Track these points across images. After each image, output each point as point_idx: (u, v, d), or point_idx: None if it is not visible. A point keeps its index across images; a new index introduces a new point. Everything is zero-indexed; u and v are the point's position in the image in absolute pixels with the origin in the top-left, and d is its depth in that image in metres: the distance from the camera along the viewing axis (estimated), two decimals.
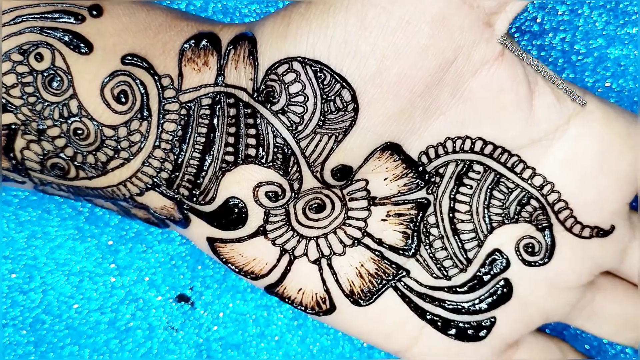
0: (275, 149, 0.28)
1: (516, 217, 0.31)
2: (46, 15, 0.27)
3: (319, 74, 0.27)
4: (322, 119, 0.27)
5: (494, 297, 0.31)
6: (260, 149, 0.28)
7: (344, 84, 0.27)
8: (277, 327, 0.37)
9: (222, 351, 0.37)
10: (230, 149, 0.28)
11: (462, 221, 0.31)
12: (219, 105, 0.28)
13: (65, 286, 0.37)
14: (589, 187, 0.30)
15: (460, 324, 0.31)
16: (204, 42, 0.28)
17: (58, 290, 0.37)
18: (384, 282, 0.31)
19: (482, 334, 0.31)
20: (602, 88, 0.37)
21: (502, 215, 0.31)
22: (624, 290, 0.33)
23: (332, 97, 0.27)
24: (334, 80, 0.27)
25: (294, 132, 0.28)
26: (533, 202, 0.30)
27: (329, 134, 0.28)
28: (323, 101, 0.27)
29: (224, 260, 0.30)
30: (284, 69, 0.27)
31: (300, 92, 0.27)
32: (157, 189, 0.29)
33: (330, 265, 0.30)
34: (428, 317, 0.31)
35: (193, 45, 0.28)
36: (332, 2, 0.26)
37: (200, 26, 0.29)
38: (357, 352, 0.38)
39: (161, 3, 0.36)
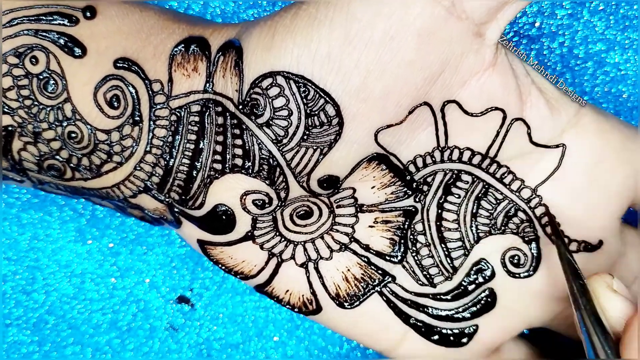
0: (261, 160, 0.28)
1: (503, 228, 0.31)
2: (41, 18, 0.28)
3: (302, 89, 0.27)
4: (307, 132, 0.27)
5: (478, 306, 0.31)
6: (247, 159, 0.28)
7: (327, 99, 0.27)
8: (276, 328, 0.38)
9: (222, 351, 0.38)
10: (218, 157, 0.28)
11: (449, 229, 0.31)
12: (208, 113, 0.28)
13: (68, 287, 0.37)
14: (578, 201, 0.30)
15: (443, 330, 0.32)
16: (193, 47, 0.28)
17: (60, 291, 0.37)
18: (370, 287, 0.31)
19: (464, 340, 0.32)
20: (601, 93, 0.37)
21: (489, 225, 0.31)
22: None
23: (317, 112, 0.27)
24: (317, 95, 0.27)
25: (278, 144, 0.28)
26: (520, 214, 0.30)
27: (314, 147, 0.28)
28: (307, 115, 0.27)
29: (214, 260, 0.31)
30: (268, 82, 0.27)
31: (284, 107, 0.27)
32: (149, 193, 0.29)
33: (317, 269, 0.31)
34: (412, 322, 0.31)
35: (183, 50, 0.28)
36: (317, 15, 0.26)
37: (191, 29, 0.29)
38: (354, 351, 0.38)
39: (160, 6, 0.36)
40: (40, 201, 0.37)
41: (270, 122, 0.27)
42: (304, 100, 0.27)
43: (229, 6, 0.37)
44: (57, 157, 0.28)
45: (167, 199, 0.29)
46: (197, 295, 0.38)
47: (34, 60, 0.27)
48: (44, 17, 0.28)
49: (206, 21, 0.30)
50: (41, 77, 0.28)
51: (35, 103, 0.28)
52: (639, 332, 0.25)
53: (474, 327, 0.32)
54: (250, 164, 0.28)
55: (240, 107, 0.27)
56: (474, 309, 0.31)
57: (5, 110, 0.27)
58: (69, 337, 0.37)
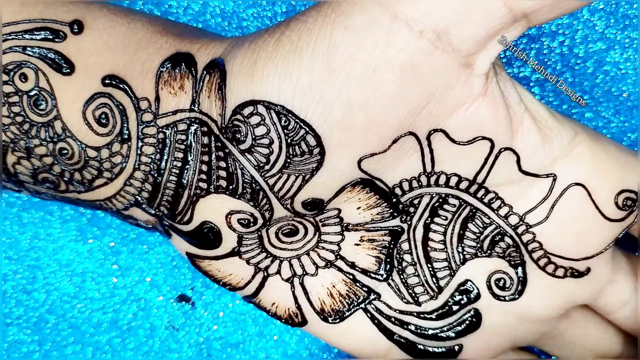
0: (244, 184, 0.28)
1: (489, 251, 0.30)
2: (28, 34, 0.28)
3: (283, 119, 0.26)
4: (288, 160, 0.27)
5: (462, 326, 0.31)
6: (230, 182, 0.28)
7: (308, 130, 0.26)
8: (276, 327, 0.38)
9: (222, 350, 0.38)
10: (203, 177, 0.28)
11: (436, 250, 0.31)
12: (194, 131, 0.28)
13: (68, 286, 0.37)
14: (567, 231, 0.29)
15: (428, 348, 0.31)
16: (180, 65, 0.28)
17: (61, 290, 0.37)
18: (355, 303, 0.31)
19: (449, 359, 0.32)
20: (601, 92, 0.37)
21: (476, 248, 0.30)
22: (597, 325, 0.33)
23: (297, 141, 0.27)
24: (298, 126, 0.26)
25: (260, 171, 0.27)
26: (507, 239, 0.30)
27: (296, 174, 0.27)
28: (288, 145, 0.27)
29: (202, 272, 0.31)
30: (249, 110, 0.26)
31: (265, 135, 0.27)
32: (140, 207, 0.29)
33: (302, 284, 0.31)
34: (395, 338, 0.31)
35: (169, 67, 0.28)
36: (298, 43, 0.25)
37: (179, 44, 0.29)
38: None
39: (161, 7, 0.36)
40: (41, 200, 0.37)
41: (252, 149, 0.27)
42: (285, 130, 0.26)
43: (228, 5, 0.37)
44: (51, 171, 0.29)
45: (157, 212, 0.29)
46: (198, 294, 0.38)
47: (23, 77, 0.28)
48: (31, 33, 0.28)
49: (195, 33, 0.30)
50: (31, 94, 0.28)
51: (27, 120, 0.28)
52: None
53: (459, 346, 0.32)
54: (233, 187, 0.28)
55: (223, 131, 0.27)
56: (459, 328, 0.31)
57: None
58: (69, 337, 0.37)
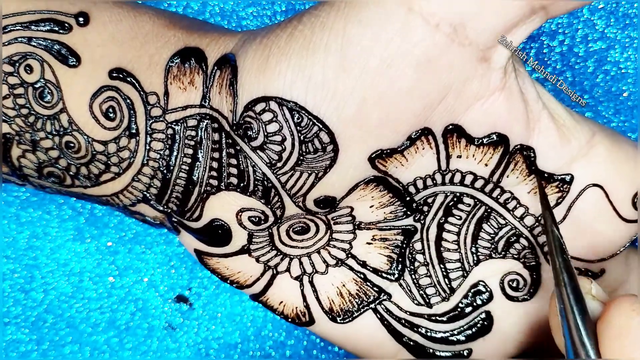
0: (256, 182, 0.28)
1: (504, 252, 0.30)
2: (34, 25, 0.27)
3: (296, 116, 0.26)
4: (301, 158, 0.27)
5: (473, 329, 0.31)
6: (241, 180, 0.28)
7: (321, 126, 0.26)
8: (274, 327, 0.38)
9: (220, 350, 0.38)
10: (214, 174, 0.28)
11: (449, 250, 0.30)
12: (204, 127, 0.28)
13: (66, 286, 0.37)
14: (584, 232, 0.29)
15: (436, 352, 0.31)
16: (189, 60, 0.28)
17: (59, 290, 0.37)
18: (365, 303, 0.31)
19: None
20: (602, 91, 0.37)
21: (490, 249, 0.30)
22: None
23: (310, 138, 0.26)
24: (311, 123, 0.26)
25: (273, 168, 0.27)
26: (523, 240, 0.30)
27: (309, 172, 0.27)
28: (301, 142, 0.26)
29: (210, 270, 0.30)
30: (261, 107, 0.26)
31: (277, 132, 0.26)
32: (148, 203, 0.29)
33: (311, 283, 0.31)
34: (404, 340, 0.31)
35: (179, 62, 0.28)
36: (312, 37, 0.25)
37: (187, 38, 0.28)
38: None
39: (159, 6, 0.36)
40: (39, 199, 0.37)
41: (264, 146, 0.27)
42: (298, 127, 0.26)
43: (227, 4, 0.37)
44: (57, 165, 0.28)
45: (166, 209, 0.29)
46: (196, 295, 0.38)
47: (28, 69, 0.27)
48: (36, 24, 0.27)
49: (202, 27, 0.30)
50: (36, 86, 0.27)
51: (32, 112, 0.28)
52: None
53: (468, 351, 0.31)
54: (244, 184, 0.28)
55: (235, 128, 0.27)
56: (469, 332, 0.31)
57: (3, 118, 0.27)
58: (67, 336, 0.37)
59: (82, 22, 0.28)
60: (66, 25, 0.28)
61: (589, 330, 0.24)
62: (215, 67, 0.27)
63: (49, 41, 0.27)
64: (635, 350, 0.23)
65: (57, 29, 0.27)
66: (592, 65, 0.37)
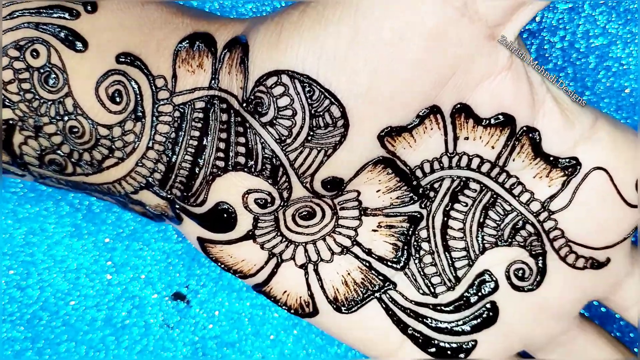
0: (264, 160, 0.28)
1: (510, 240, 0.30)
2: (42, 11, 0.27)
3: (307, 89, 0.26)
4: (311, 133, 0.27)
5: (479, 320, 0.30)
6: (249, 158, 0.28)
7: (332, 100, 0.26)
8: (272, 326, 0.37)
9: (218, 349, 0.37)
10: (221, 154, 0.28)
11: (455, 238, 0.30)
12: (212, 109, 0.28)
13: (62, 283, 0.37)
14: (589, 217, 0.29)
15: (441, 344, 0.31)
16: (198, 44, 0.28)
17: (55, 287, 0.37)
18: (369, 292, 0.30)
19: (461, 355, 0.31)
20: (603, 88, 0.36)
21: (496, 237, 0.30)
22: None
23: (321, 113, 0.26)
24: (322, 96, 0.26)
25: (282, 144, 0.27)
26: (528, 227, 0.29)
27: (318, 148, 0.27)
28: (312, 116, 0.26)
29: (213, 259, 0.30)
30: (273, 81, 0.26)
31: (288, 106, 0.27)
32: (151, 189, 0.29)
33: (316, 271, 0.30)
34: (409, 332, 0.31)
35: (187, 46, 0.28)
36: (324, 12, 0.25)
37: (196, 24, 0.29)
38: (353, 351, 0.38)
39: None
40: (37, 195, 0.37)
41: (274, 121, 0.27)
42: (309, 100, 0.26)
43: (227, 0, 0.37)
44: (59, 151, 0.28)
45: (168, 195, 0.29)
46: (193, 292, 0.37)
47: (34, 53, 0.27)
48: (44, 10, 0.27)
49: (210, 15, 0.30)
50: (42, 70, 0.27)
51: (37, 97, 0.27)
52: None
53: (473, 343, 0.31)
54: (253, 162, 0.28)
55: (245, 104, 0.27)
56: (475, 322, 0.31)
57: (7, 103, 0.27)
58: (62, 334, 0.37)
59: (90, 9, 0.28)
60: (74, 11, 0.28)
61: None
62: (225, 50, 0.28)
63: (57, 27, 0.27)
64: None
65: (65, 15, 0.28)
66: (594, 61, 0.36)
